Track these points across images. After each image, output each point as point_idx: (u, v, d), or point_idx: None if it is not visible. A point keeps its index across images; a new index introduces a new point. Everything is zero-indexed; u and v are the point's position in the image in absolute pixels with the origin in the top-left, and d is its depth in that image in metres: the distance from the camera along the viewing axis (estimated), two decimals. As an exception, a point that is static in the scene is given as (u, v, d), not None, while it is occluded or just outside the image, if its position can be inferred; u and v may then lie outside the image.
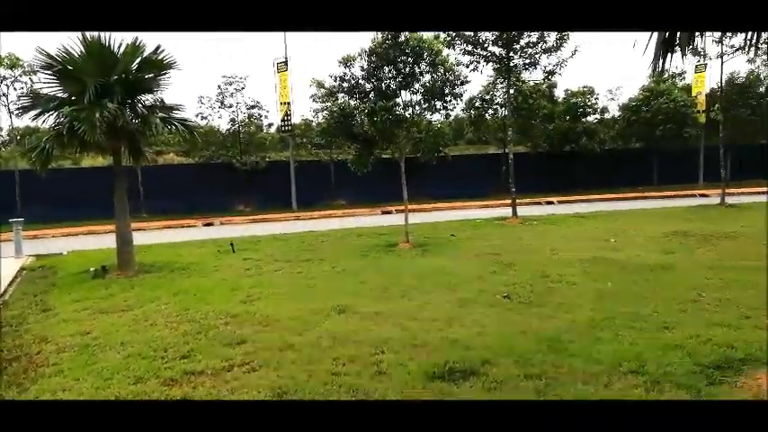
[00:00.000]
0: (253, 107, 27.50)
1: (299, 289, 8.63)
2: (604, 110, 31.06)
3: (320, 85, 12.82)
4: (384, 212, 22.77)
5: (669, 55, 4.44)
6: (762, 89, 24.66)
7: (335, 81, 12.51)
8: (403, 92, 12.57)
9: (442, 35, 15.78)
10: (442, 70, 12.39)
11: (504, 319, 6.63)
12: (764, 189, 23.74)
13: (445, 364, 5.14)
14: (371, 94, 12.35)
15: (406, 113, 12.76)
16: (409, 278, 9.12)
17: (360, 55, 12.13)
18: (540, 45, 17.00)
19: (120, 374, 5.34)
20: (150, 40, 10.92)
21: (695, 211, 18.98)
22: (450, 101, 13.03)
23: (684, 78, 31.36)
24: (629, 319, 6.38)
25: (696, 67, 26.96)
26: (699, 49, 22.71)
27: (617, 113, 31.06)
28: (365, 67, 12.19)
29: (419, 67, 12.28)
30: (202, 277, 10.05)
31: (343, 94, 12.54)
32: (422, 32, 11.97)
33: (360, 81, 12.38)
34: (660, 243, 11.88)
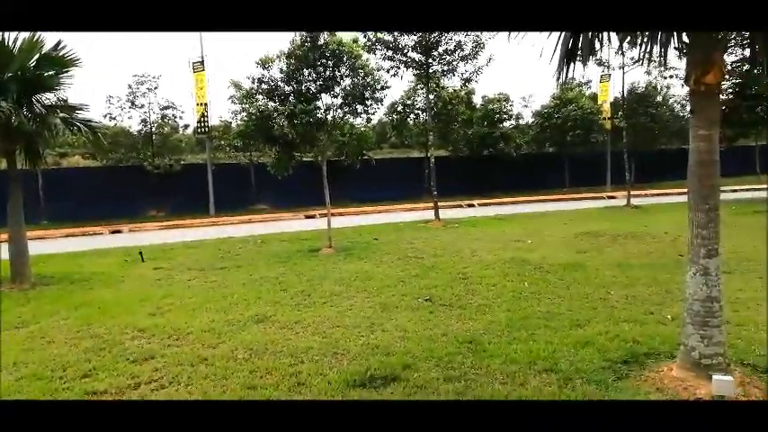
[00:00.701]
0: (166, 108, 26.31)
1: (213, 299, 8.24)
2: (519, 116, 32.40)
3: (238, 86, 12.41)
4: (307, 217, 22.46)
5: (572, 64, 4.62)
6: (659, 98, 26.68)
7: (254, 83, 12.15)
8: (323, 95, 12.42)
9: (362, 39, 15.82)
10: (362, 74, 12.36)
11: (425, 323, 6.64)
12: (664, 191, 25.65)
13: (366, 371, 5.06)
14: (291, 97, 12.10)
15: (327, 117, 12.62)
16: (331, 284, 8.98)
17: (278, 57, 11.86)
18: (457, 52, 17.42)
19: (11, 398, 4.84)
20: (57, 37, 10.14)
21: (604, 212, 20.16)
22: (371, 105, 13.03)
23: (591, 87, 33.37)
24: (544, 318, 6.59)
25: (601, 77, 28.74)
26: (603, 61, 24.35)
27: (531, 120, 32.47)
28: (284, 69, 11.93)
29: (339, 71, 12.18)
30: (107, 289, 9.39)
31: (261, 96, 12.19)
32: (341, 36, 11.90)
33: (279, 83, 12.10)
34: (573, 243, 12.46)
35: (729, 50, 17.67)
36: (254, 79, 12.12)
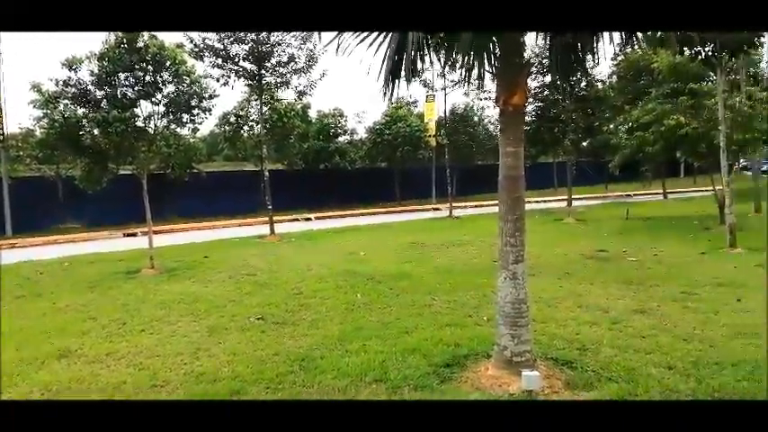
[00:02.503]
0: (-52, 111, 22.19)
1: (4, 334, 7.03)
2: (353, 131, 33.33)
3: (39, 89, 10.89)
4: (127, 235, 20.47)
5: (396, 82, 4.80)
6: (476, 119, 29.45)
7: (58, 85, 10.75)
8: (143, 102, 11.43)
9: (188, 45, 14.99)
10: (187, 81, 11.63)
11: (256, 343, 6.36)
12: (481, 203, 28.16)
13: (188, 402, 4.66)
14: (104, 103, 10.93)
15: (148, 125, 11.64)
16: (152, 309, 8.20)
17: (88, 58, 10.65)
18: (290, 65, 17.31)
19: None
20: None
21: (429, 223, 21.48)
22: (198, 114, 12.31)
23: (418, 107, 35.58)
24: (376, 329, 6.72)
25: (427, 97, 30.78)
26: (427, 82, 26.19)
27: (364, 135, 33.58)
28: (95, 71, 10.75)
29: (161, 77, 11.32)
30: None
31: (67, 101, 10.83)
32: (162, 40, 11.11)
33: (89, 87, 10.87)
34: (402, 253, 13.01)
35: (533, 76, 20.13)
36: (58, 81, 10.74)
